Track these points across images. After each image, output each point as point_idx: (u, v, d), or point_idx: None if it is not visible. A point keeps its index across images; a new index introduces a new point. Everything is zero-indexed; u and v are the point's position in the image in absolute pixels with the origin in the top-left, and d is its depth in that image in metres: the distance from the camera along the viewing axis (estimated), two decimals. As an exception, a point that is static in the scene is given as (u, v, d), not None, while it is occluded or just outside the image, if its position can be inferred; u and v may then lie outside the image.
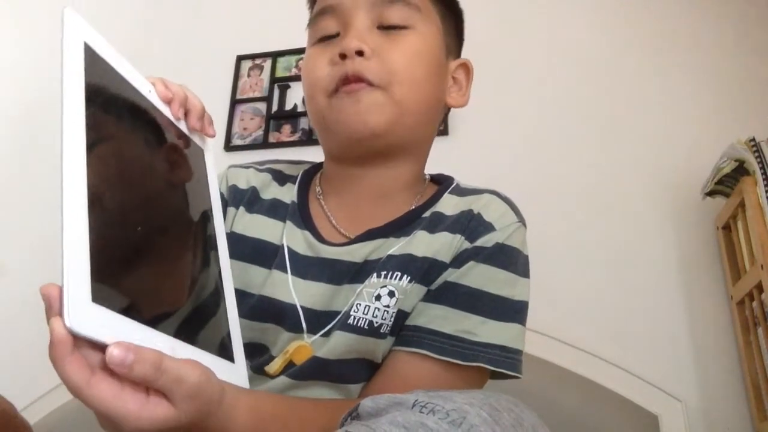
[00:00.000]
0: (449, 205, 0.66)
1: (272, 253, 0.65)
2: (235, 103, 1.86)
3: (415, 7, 0.66)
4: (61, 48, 0.42)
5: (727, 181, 1.31)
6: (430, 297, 0.60)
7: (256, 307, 0.63)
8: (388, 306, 0.59)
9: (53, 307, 0.34)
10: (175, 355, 0.40)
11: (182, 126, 0.58)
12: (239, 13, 1.99)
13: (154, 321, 0.41)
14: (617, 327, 1.37)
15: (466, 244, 0.62)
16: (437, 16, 0.69)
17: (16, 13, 2.12)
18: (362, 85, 0.62)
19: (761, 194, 1.20)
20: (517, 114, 1.64)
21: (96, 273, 0.37)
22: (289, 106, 1.83)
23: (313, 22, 0.70)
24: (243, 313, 0.62)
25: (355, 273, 0.62)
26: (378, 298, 0.60)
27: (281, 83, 1.85)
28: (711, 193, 1.37)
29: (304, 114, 1.77)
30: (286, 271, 0.64)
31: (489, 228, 0.62)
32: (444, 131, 1.61)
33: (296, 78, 1.84)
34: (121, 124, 0.49)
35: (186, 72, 1.89)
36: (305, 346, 0.61)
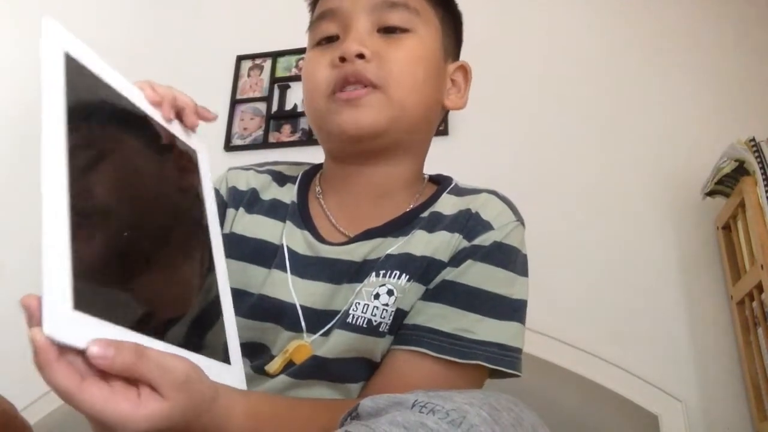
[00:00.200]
0: (448, 204, 0.66)
1: (272, 253, 0.66)
2: (235, 103, 1.86)
3: (415, 11, 0.67)
4: (40, 58, 0.42)
5: (727, 181, 1.31)
6: (429, 296, 0.61)
7: (255, 307, 0.63)
8: (387, 305, 0.60)
9: (34, 316, 0.34)
10: None
11: (174, 128, 0.57)
12: (239, 13, 1.99)
13: (142, 326, 0.41)
14: (617, 327, 1.37)
15: (464, 243, 0.62)
16: (436, 20, 0.70)
17: (16, 13, 2.13)
18: (361, 92, 0.62)
19: (761, 194, 1.20)
20: (517, 114, 1.64)
21: (78, 280, 0.37)
22: (289, 106, 1.83)
23: (313, 26, 0.70)
24: (243, 313, 0.62)
25: (355, 272, 0.63)
26: (377, 296, 0.60)
27: (281, 83, 1.85)
28: (711, 193, 1.37)
29: (304, 114, 1.77)
30: (285, 271, 0.64)
31: (487, 227, 0.62)
32: (444, 131, 1.61)
33: (296, 78, 1.84)
34: (106, 131, 0.48)
35: (186, 72, 1.89)
36: (305, 345, 0.61)
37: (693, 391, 1.30)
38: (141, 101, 0.54)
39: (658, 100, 1.58)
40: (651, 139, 1.54)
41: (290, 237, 0.66)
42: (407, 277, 0.61)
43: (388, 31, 0.66)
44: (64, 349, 0.35)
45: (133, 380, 0.37)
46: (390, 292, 0.60)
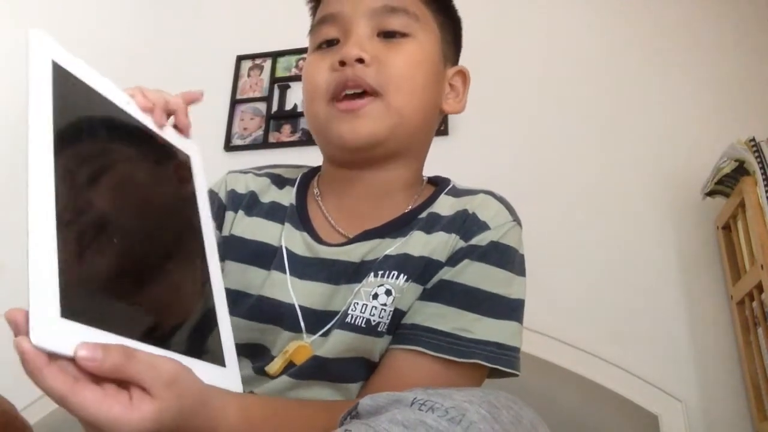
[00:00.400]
0: (445, 205, 0.66)
1: (271, 255, 0.66)
2: (235, 103, 1.86)
3: (414, 16, 0.67)
4: (26, 68, 0.42)
5: (727, 181, 1.31)
6: (426, 295, 0.61)
7: (255, 308, 0.63)
8: (385, 304, 0.60)
9: (20, 329, 0.34)
10: None
11: (167, 133, 0.57)
12: (239, 13, 2.00)
13: (132, 331, 0.41)
14: (617, 327, 1.37)
15: (461, 243, 0.62)
16: (435, 25, 0.70)
17: (16, 13, 2.13)
18: (361, 103, 0.63)
19: (761, 194, 1.20)
20: (517, 114, 1.64)
21: (66, 287, 0.37)
22: (289, 106, 1.83)
23: (314, 30, 0.71)
24: (242, 314, 0.62)
25: (353, 273, 0.63)
26: (375, 296, 0.60)
27: (281, 83, 1.86)
28: (711, 193, 1.37)
29: (303, 114, 1.77)
30: (284, 272, 0.64)
31: (483, 227, 0.63)
32: (444, 131, 1.61)
33: (296, 78, 1.84)
34: (95, 138, 0.48)
35: (186, 72, 1.90)
36: (305, 346, 0.61)
37: (693, 391, 1.30)
38: (132, 108, 0.54)
39: (658, 100, 1.58)
40: (651, 139, 1.54)
41: (289, 238, 0.67)
42: (405, 277, 0.61)
43: (387, 35, 0.66)
44: (53, 356, 0.35)
45: (124, 384, 0.37)
46: (388, 292, 0.60)
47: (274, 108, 1.83)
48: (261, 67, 1.91)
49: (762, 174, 1.21)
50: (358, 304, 0.60)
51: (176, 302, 0.50)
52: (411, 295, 0.61)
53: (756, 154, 1.23)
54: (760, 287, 1.17)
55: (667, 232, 1.46)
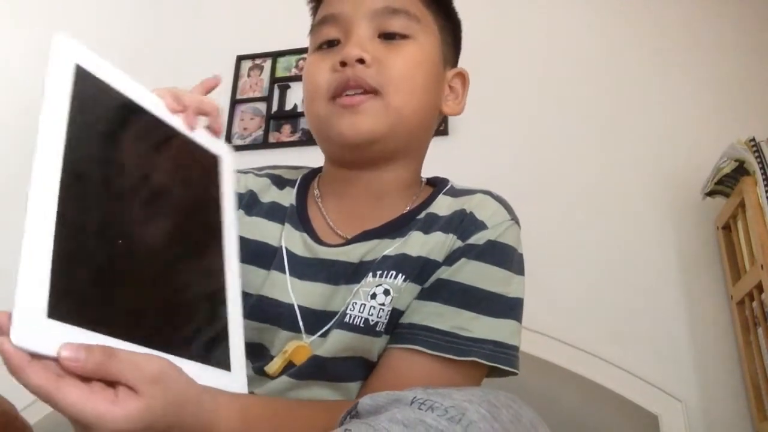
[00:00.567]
0: (443, 206, 0.67)
1: (271, 255, 0.66)
2: (235, 103, 1.86)
3: (415, 18, 0.67)
4: (45, 72, 0.43)
5: (727, 181, 1.31)
6: (424, 294, 0.61)
7: (254, 307, 0.63)
8: (383, 304, 0.60)
9: (3, 330, 0.35)
10: None
11: (198, 135, 0.58)
12: (239, 13, 2.00)
13: (127, 334, 0.41)
14: (617, 327, 1.37)
15: (459, 243, 0.62)
16: (436, 27, 0.71)
17: (16, 13, 2.13)
18: (360, 99, 0.63)
19: (761, 194, 1.20)
20: (517, 114, 1.64)
21: (58, 288, 0.37)
22: (289, 106, 1.83)
23: (315, 30, 0.71)
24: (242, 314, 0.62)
25: (352, 273, 0.63)
26: (373, 296, 0.60)
27: (281, 83, 1.86)
28: (711, 193, 1.37)
29: (303, 114, 1.77)
30: (284, 272, 0.65)
31: (481, 226, 0.63)
32: (444, 131, 1.61)
33: (296, 78, 1.84)
34: (114, 141, 0.49)
35: (186, 72, 1.88)
36: (304, 346, 0.61)
37: (693, 391, 1.30)
38: (160, 110, 0.54)
39: (658, 100, 1.58)
40: (651, 139, 1.54)
41: (289, 239, 0.67)
42: (403, 277, 0.61)
43: (388, 37, 0.66)
44: (38, 356, 0.35)
45: (113, 384, 0.38)
46: (386, 292, 0.60)
47: (274, 108, 1.83)
48: (261, 67, 1.91)
49: (762, 174, 1.21)
50: (356, 304, 0.60)
51: (182, 305, 0.50)
52: (409, 295, 0.61)
53: (756, 154, 1.23)
54: (760, 287, 1.17)
55: (667, 232, 1.46)
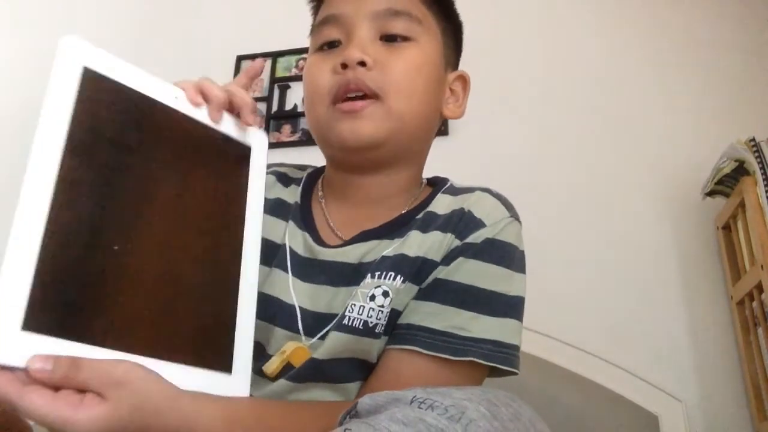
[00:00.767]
0: (442, 204, 0.66)
1: (273, 252, 0.66)
2: (235, 103, 1.86)
3: (417, 20, 0.67)
4: (50, 76, 0.43)
5: (727, 181, 1.31)
6: (421, 294, 0.61)
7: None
8: (382, 306, 0.59)
9: None
10: None
11: (225, 126, 0.57)
12: (239, 13, 2.00)
13: (107, 341, 0.42)
14: (617, 327, 1.37)
15: (456, 242, 0.62)
16: (438, 29, 0.70)
17: (16, 13, 2.13)
18: (361, 104, 0.63)
19: (761, 194, 1.20)
20: (517, 114, 1.64)
21: (39, 300, 0.38)
22: (289, 106, 1.83)
23: (316, 30, 0.70)
24: None
25: (351, 275, 0.62)
26: (372, 298, 0.60)
27: (281, 83, 1.86)
28: (711, 193, 1.37)
29: (304, 114, 1.77)
30: (286, 271, 0.64)
31: (479, 225, 0.62)
32: (444, 131, 1.61)
33: (296, 78, 1.84)
34: (126, 142, 0.48)
35: (186, 72, 1.89)
36: (303, 348, 0.60)
37: (693, 391, 1.30)
38: (181, 104, 0.53)
39: (658, 100, 1.58)
40: (651, 139, 1.54)
41: (292, 237, 0.67)
42: (402, 278, 0.60)
43: (390, 39, 0.66)
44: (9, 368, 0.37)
45: (82, 390, 0.39)
46: (385, 294, 0.60)
47: (274, 108, 1.83)
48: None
49: (762, 174, 1.21)
50: (355, 305, 0.60)
51: (178, 309, 0.49)
52: (407, 296, 0.60)
53: (756, 154, 1.23)
54: (760, 287, 1.17)
55: (667, 232, 1.46)
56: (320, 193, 0.72)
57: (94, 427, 0.38)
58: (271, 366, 0.61)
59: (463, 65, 0.76)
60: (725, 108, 1.53)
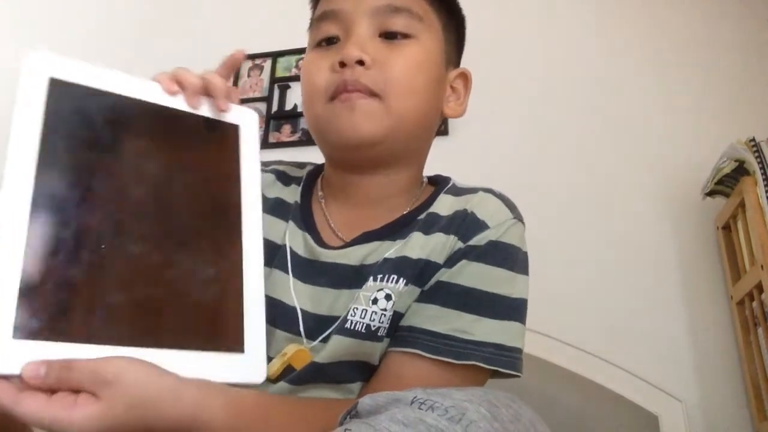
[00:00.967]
0: (445, 205, 0.65)
1: (273, 252, 0.65)
2: (235, 103, 1.86)
3: (418, 17, 0.65)
4: (15, 93, 0.44)
5: (727, 181, 1.31)
6: (424, 297, 0.60)
7: None
8: (385, 309, 0.59)
9: None
10: None
11: (206, 111, 0.56)
12: (239, 13, 1.99)
13: (103, 338, 0.42)
14: (617, 327, 1.37)
15: (459, 244, 0.61)
16: (439, 26, 0.69)
17: (16, 13, 2.12)
18: (358, 93, 0.62)
19: (761, 194, 1.20)
20: (517, 114, 1.64)
21: (26, 307, 0.39)
22: (289, 106, 1.83)
23: (314, 26, 0.69)
24: None
25: (353, 277, 0.62)
26: (375, 301, 0.59)
27: (281, 83, 1.85)
28: (711, 193, 1.37)
29: (303, 114, 1.77)
30: (287, 272, 0.63)
31: (482, 227, 0.61)
32: (444, 131, 1.61)
33: (296, 78, 1.84)
34: (101, 144, 0.49)
35: (186, 72, 1.89)
36: (304, 351, 0.60)
37: (693, 391, 1.30)
38: (158, 96, 0.53)
39: (658, 100, 1.58)
40: (651, 139, 1.54)
41: (292, 237, 0.66)
42: (404, 280, 0.60)
43: (389, 36, 0.65)
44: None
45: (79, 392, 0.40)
46: (388, 297, 0.59)
47: (274, 108, 1.83)
48: (261, 67, 1.90)
49: (762, 174, 1.21)
50: (357, 309, 0.59)
51: (176, 296, 0.49)
52: (409, 298, 0.60)
53: (756, 154, 1.23)
54: (760, 287, 1.17)
55: (667, 232, 1.46)
56: (320, 193, 0.71)
57: (90, 426, 0.38)
58: (272, 368, 0.60)
59: (463, 64, 0.76)
60: (725, 108, 1.53)
